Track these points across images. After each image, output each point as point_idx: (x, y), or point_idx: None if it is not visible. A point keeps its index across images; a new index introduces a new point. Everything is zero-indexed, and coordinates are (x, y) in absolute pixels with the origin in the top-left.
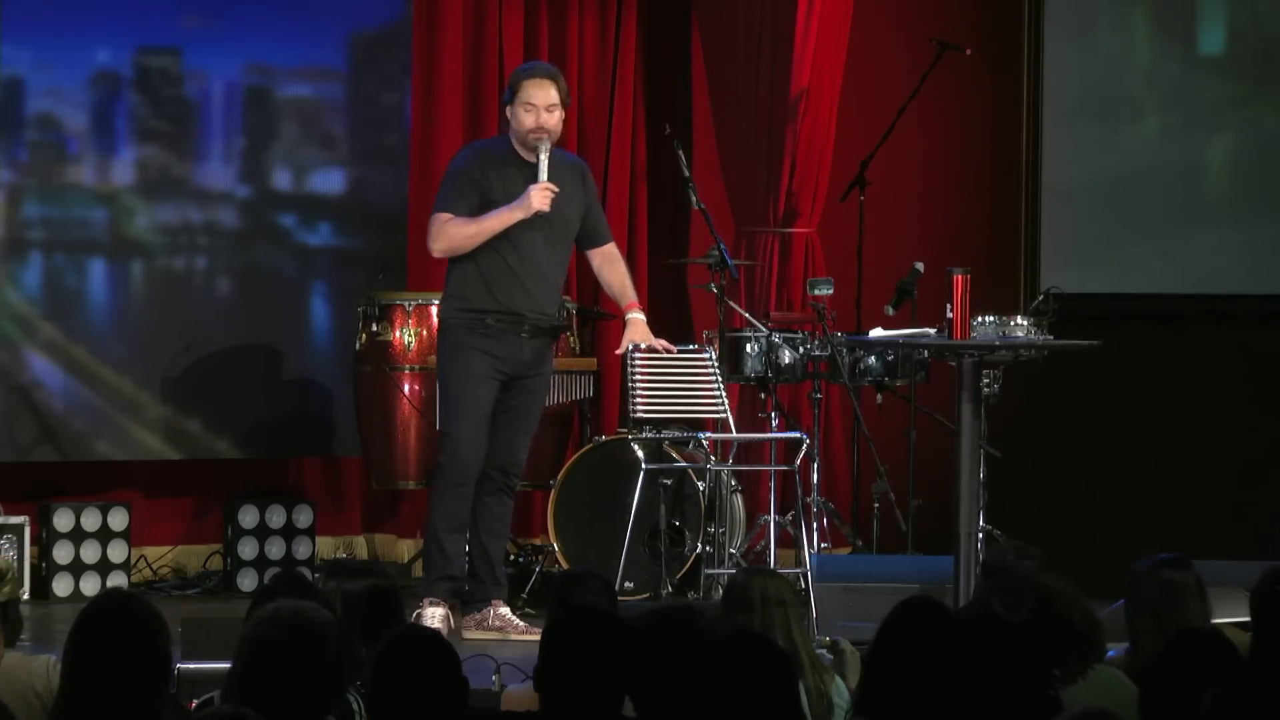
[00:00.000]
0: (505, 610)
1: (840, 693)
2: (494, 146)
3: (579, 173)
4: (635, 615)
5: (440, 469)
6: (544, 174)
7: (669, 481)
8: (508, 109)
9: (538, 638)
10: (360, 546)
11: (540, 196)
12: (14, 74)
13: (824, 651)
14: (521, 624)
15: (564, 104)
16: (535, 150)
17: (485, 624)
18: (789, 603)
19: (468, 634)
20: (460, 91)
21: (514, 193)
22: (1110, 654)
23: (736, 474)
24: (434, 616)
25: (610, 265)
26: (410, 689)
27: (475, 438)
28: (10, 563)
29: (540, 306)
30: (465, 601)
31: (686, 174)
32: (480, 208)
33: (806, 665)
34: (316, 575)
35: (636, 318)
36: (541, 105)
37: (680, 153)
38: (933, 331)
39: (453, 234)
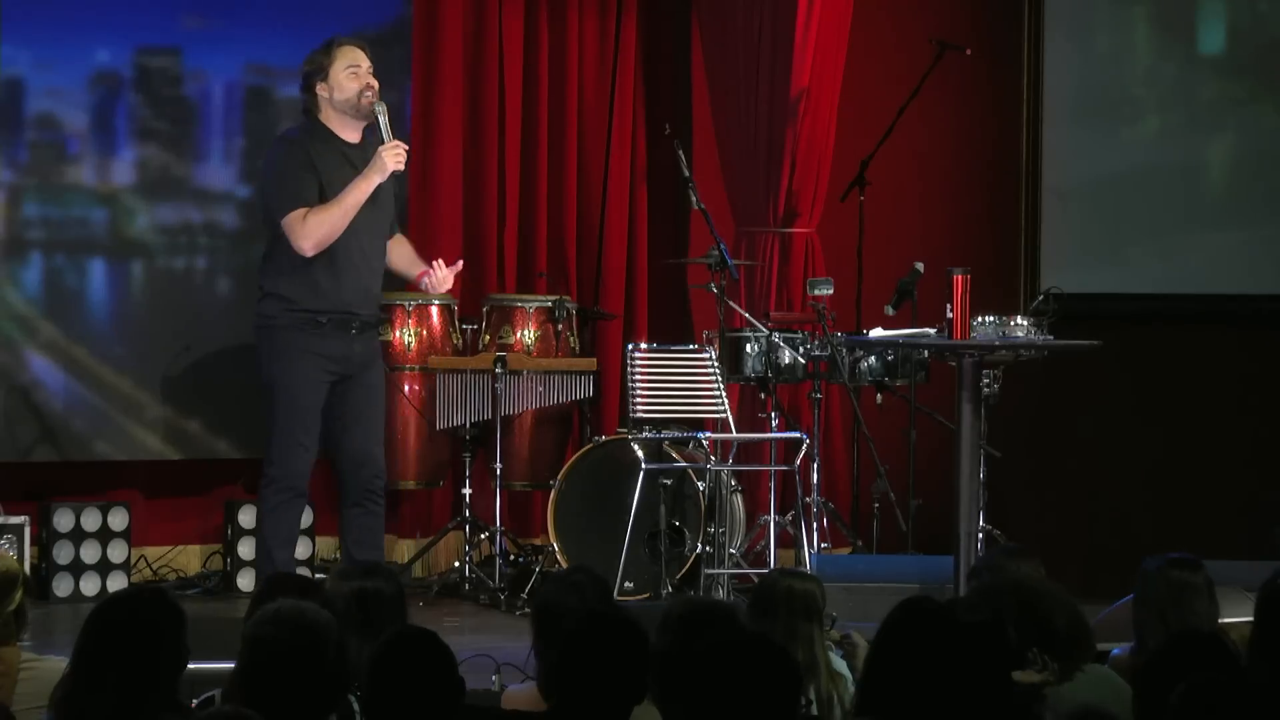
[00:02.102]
0: None
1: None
2: (307, 132)
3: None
4: (673, 607)
5: (270, 480)
6: (388, 134)
7: (669, 481)
8: (319, 86)
9: None
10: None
11: (393, 155)
12: (14, 74)
13: (831, 645)
14: None
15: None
16: (371, 114)
17: None
18: (815, 610)
19: None
20: (460, 91)
21: (339, 176)
22: (1115, 652)
23: (736, 474)
24: None
25: (400, 246)
26: (406, 689)
27: (307, 445)
28: (20, 567)
29: (371, 300)
30: None
31: (686, 174)
32: (322, 193)
33: (824, 673)
34: (318, 576)
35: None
36: (364, 67)
37: (680, 153)
38: (933, 331)
39: (318, 223)
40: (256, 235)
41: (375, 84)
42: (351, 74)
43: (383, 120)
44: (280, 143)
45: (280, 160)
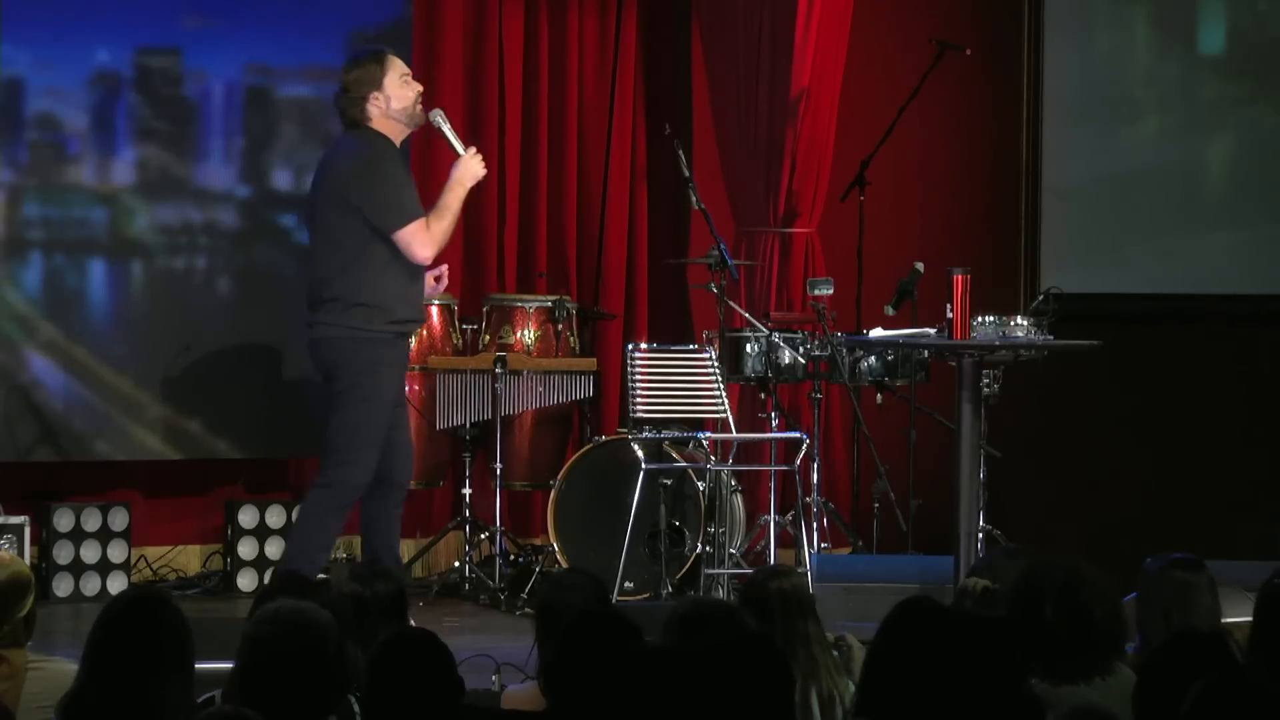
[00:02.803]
0: None
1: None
2: (383, 141)
3: None
4: (678, 606)
5: (329, 490)
6: (459, 142)
7: (669, 481)
8: (372, 96)
9: None
10: (360, 546)
11: (481, 162)
12: (14, 74)
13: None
14: None
15: None
16: (422, 121)
17: None
18: (809, 606)
19: None
20: (460, 91)
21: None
22: None
23: (736, 474)
24: None
25: None
26: (405, 690)
27: (374, 463)
28: (30, 573)
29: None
30: None
31: (686, 174)
32: None
33: (824, 671)
34: (321, 576)
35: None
36: (412, 74)
37: (680, 153)
38: (933, 331)
39: (440, 231)
40: (257, 235)
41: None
42: (406, 82)
43: (447, 128)
44: (377, 153)
45: (388, 170)
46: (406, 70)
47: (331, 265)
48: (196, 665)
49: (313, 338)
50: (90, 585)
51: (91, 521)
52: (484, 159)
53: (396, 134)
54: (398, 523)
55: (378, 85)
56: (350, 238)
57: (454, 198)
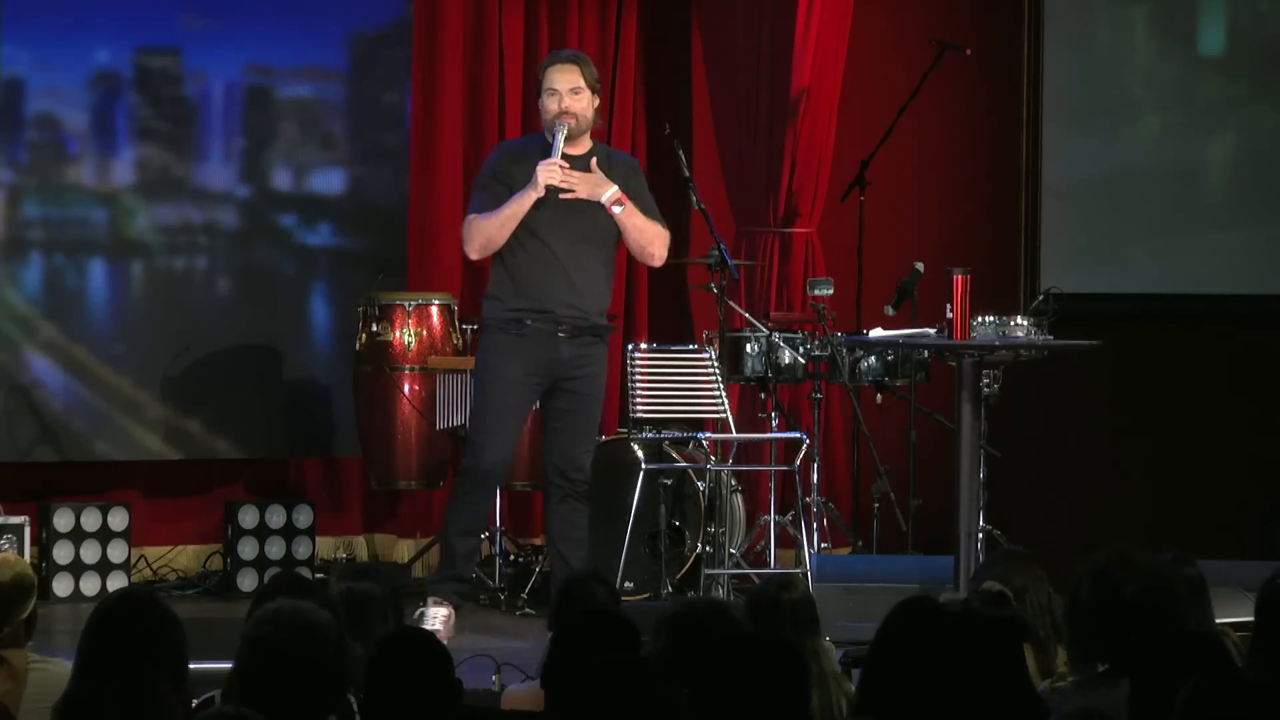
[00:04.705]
0: None
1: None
2: (524, 142)
3: (627, 170)
4: (667, 607)
5: (462, 472)
6: (556, 152)
7: (669, 481)
8: (538, 102)
9: None
10: (360, 546)
11: (546, 171)
12: (14, 74)
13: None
14: None
15: (593, 88)
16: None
17: None
18: (815, 617)
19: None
20: (460, 91)
21: (555, 187)
22: None
23: (736, 474)
24: (435, 617)
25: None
26: (403, 690)
27: (501, 444)
28: (32, 574)
29: (576, 302)
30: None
31: (686, 174)
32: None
33: (833, 684)
34: (318, 576)
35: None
36: (564, 89)
37: (680, 153)
38: (933, 331)
39: (477, 230)
40: (257, 235)
41: (575, 104)
42: (548, 96)
43: (559, 137)
44: (496, 149)
45: (485, 167)
46: (552, 86)
47: None
48: (196, 665)
49: None
50: (90, 585)
51: (91, 521)
52: (555, 174)
53: (575, 144)
54: (566, 522)
55: (538, 92)
56: None
57: (514, 200)
